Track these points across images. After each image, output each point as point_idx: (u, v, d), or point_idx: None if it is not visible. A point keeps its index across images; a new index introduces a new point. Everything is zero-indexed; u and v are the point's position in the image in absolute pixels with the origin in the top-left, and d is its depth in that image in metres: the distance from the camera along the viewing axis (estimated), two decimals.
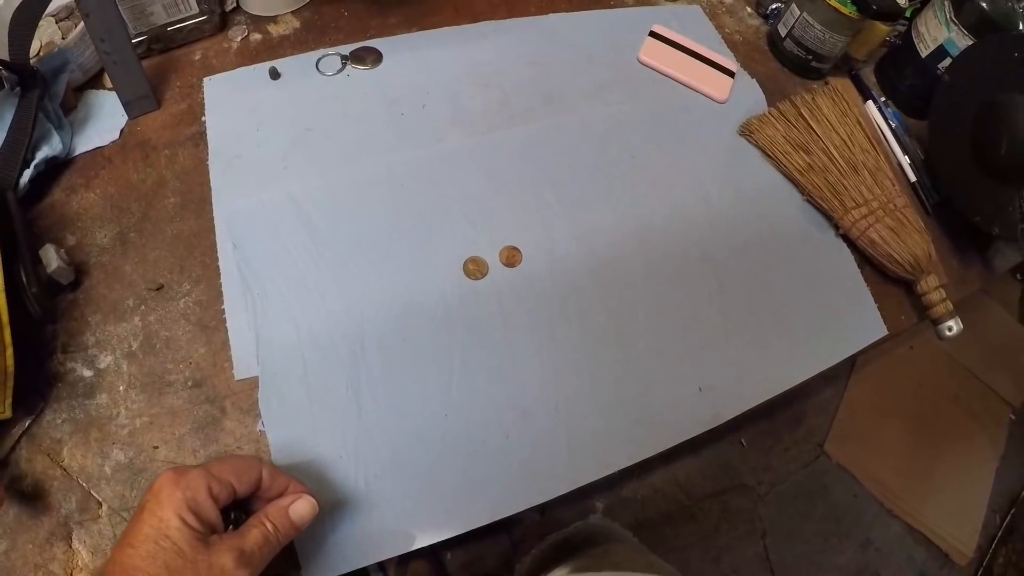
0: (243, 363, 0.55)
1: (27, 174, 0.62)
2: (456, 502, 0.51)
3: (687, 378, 0.58)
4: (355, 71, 0.69)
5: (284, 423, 0.52)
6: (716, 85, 0.74)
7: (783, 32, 0.78)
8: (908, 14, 0.78)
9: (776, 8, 0.83)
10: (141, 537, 0.37)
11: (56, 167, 0.65)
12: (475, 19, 0.76)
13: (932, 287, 0.64)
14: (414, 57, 0.71)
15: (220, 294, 0.58)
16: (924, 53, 0.75)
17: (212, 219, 0.61)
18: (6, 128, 0.62)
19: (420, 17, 0.75)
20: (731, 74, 0.75)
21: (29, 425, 0.54)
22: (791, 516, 1.30)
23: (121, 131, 0.67)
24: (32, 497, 0.51)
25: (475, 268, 0.59)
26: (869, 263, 0.69)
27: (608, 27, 0.78)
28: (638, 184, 0.66)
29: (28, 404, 0.54)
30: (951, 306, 0.64)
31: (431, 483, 0.52)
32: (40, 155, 0.63)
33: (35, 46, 0.71)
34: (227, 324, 0.56)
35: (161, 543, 0.37)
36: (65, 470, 0.52)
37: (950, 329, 0.64)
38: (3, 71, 0.62)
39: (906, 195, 0.69)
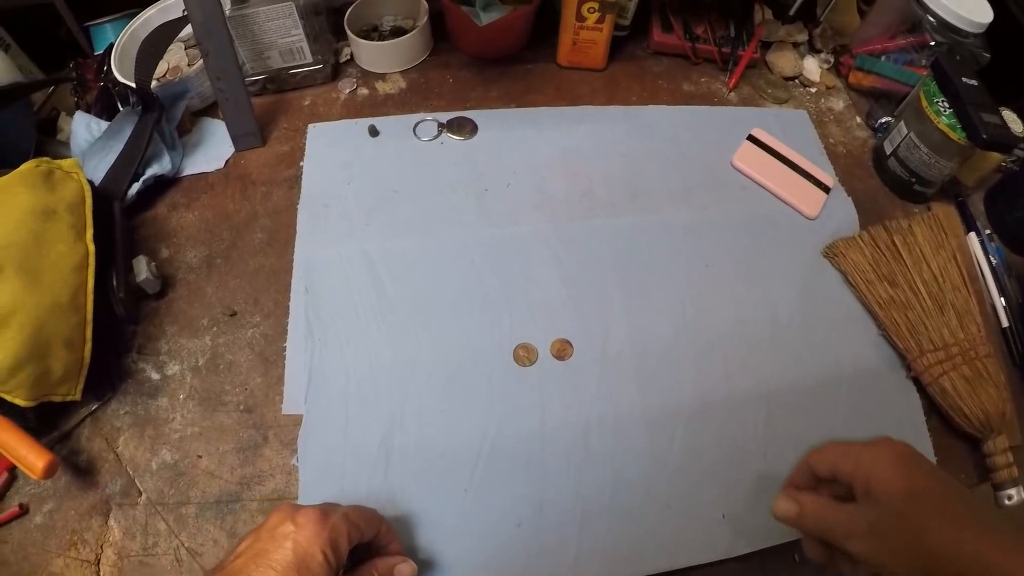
0: (292, 400, 0.76)
1: (135, 187, 0.88)
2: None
3: (712, 503, 0.70)
4: (449, 140, 0.93)
5: (317, 464, 0.72)
6: (808, 200, 0.89)
7: (888, 150, 0.92)
8: None
9: (886, 122, 0.97)
10: (284, 563, 0.51)
11: (164, 183, 0.92)
12: (574, 102, 0.98)
13: (1000, 449, 0.72)
14: (508, 134, 0.93)
15: (285, 332, 0.80)
16: None
17: (292, 261, 0.84)
18: (123, 143, 0.88)
19: (521, 94, 0.98)
20: (826, 189, 0.89)
21: (95, 409, 0.77)
22: None
23: (226, 161, 0.94)
24: (84, 472, 0.74)
25: (525, 355, 0.77)
26: (937, 412, 0.77)
27: (707, 125, 0.96)
28: (705, 295, 0.82)
29: (99, 391, 0.77)
30: (1016, 472, 0.71)
31: (437, 555, 0.68)
32: (150, 171, 0.90)
33: (162, 67, 0.99)
34: (286, 361, 0.78)
35: (303, 572, 0.51)
36: (117, 456, 0.75)
37: (1010, 498, 0.71)
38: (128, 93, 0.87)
39: (993, 342, 0.78)
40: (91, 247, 0.75)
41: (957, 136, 0.81)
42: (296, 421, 0.74)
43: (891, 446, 0.54)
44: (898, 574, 0.50)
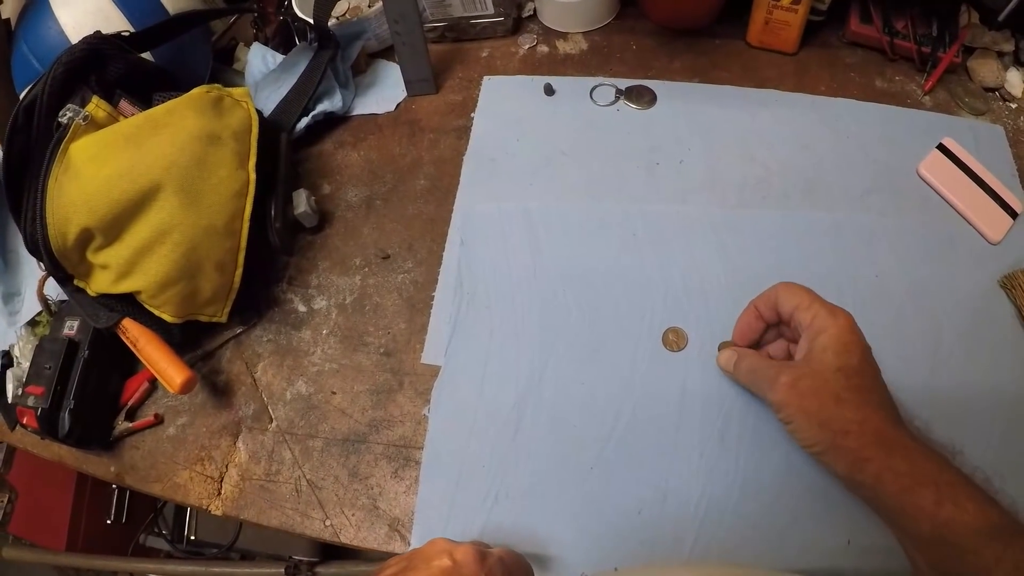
0: (433, 350, 0.76)
1: (304, 121, 0.90)
2: (565, 552, 0.65)
3: (840, 525, 0.65)
4: (626, 108, 0.89)
5: (448, 417, 0.72)
6: (993, 223, 0.80)
7: None
8: None
9: None
10: None
11: (333, 120, 0.93)
12: (760, 84, 0.92)
13: None
14: (687, 108, 0.89)
15: (435, 281, 0.80)
16: None
17: (451, 211, 0.84)
18: (296, 77, 0.90)
19: (706, 69, 0.93)
20: (1014, 214, 0.80)
21: (239, 333, 0.80)
22: None
23: (397, 105, 0.94)
24: (220, 392, 0.77)
25: (674, 339, 0.74)
26: None
27: (896, 126, 0.88)
28: (869, 305, 0.75)
29: (245, 316, 0.80)
30: None
31: (552, 526, 0.67)
32: (320, 107, 0.91)
33: (342, 6, 1.00)
34: (432, 310, 0.78)
35: None
36: (255, 381, 0.77)
37: None
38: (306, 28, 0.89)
39: None
40: (252, 175, 0.77)
41: None
42: (433, 372, 0.74)
43: (846, 319, 0.59)
44: (799, 431, 0.57)
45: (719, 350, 0.69)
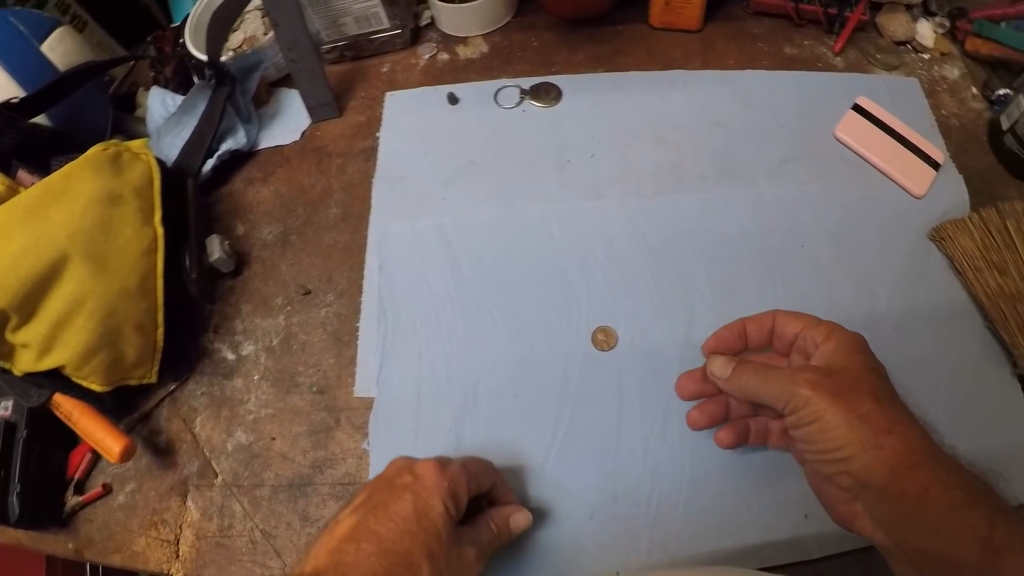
0: (364, 382, 0.74)
1: (210, 163, 0.87)
2: (519, 567, 0.64)
3: (796, 501, 0.65)
4: (532, 107, 0.87)
5: (388, 448, 0.70)
6: (916, 177, 0.80)
7: (1005, 125, 0.82)
8: None
9: (1004, 95, 0.87)
10: (404, 515, 0.51)
11: (240, 157, 0.91)
12: (667, 65, 0.91)
13: None
14: (593, 100, 0.87)
15: (358, 311, 0.78)
16: None
17: (366, 236, 0.82)
18: (197, 118, 0.87)
19: (609, 57, 0.92)
20: (936, 166, 0.80)
21: (173, 390, 0.77)
22: None
23: (303, 133, 0.91)
24: (163, 452, 0.74)
25: (604, 339, 0.73)
26: None
27: (809, 92, 0.88)
28: (798, 277, 0.75)
29: (176, 371, 0.77)
30: None
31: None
32: (224, 146, 0.88)
33: (239, 37, 0.97)
34: (359, 341, 0.76)
35: (423, 523, 0.51)
36: (195, 436, 0.75)
37: None
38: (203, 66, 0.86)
39: None
40: (159, 230, 0.75)
41: None
42: (368, 404, 0.72)
43: (851, 332, 0.56)
44: (826, 430, 0.49)
45: (708, 358, 0.61)
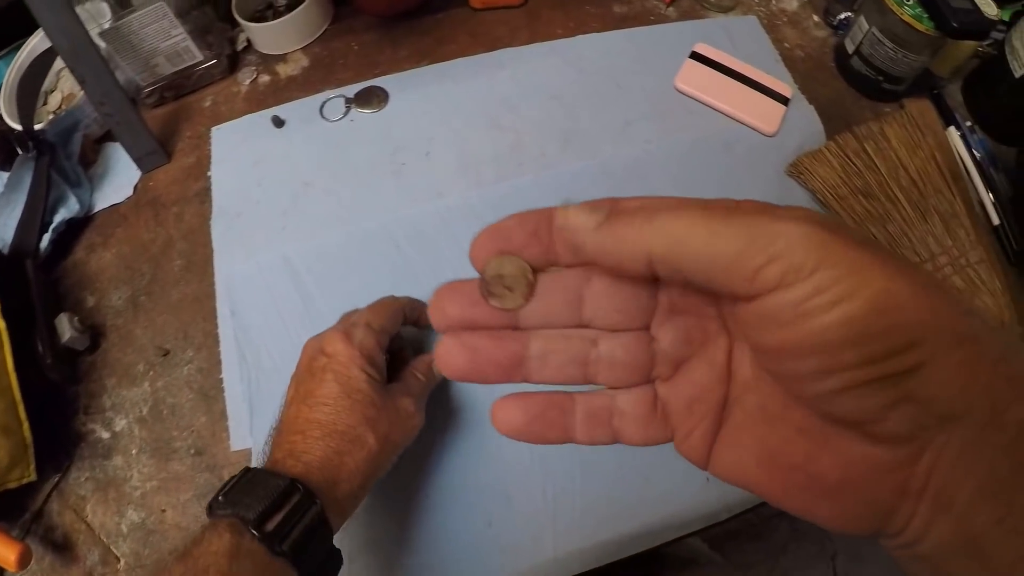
0: (239, 434, 0.71)
1: (47, 238, 0.82)
2: None
3: (692, 469, 0.65)
4: (359, 115, 0.85)
5: None
6: (765, 115, 0.80)
7: (850, 48, 0.83)
8: (1006, 17, 0.81)
9: (846, 19, 0.88)
10: (333, 396, 0.54)
11: (77, 224, 0.86)
12: (493, 47, 0.88)
13: None
14: (421, 96, 0.85)
15: (220, 362, 0.75)
16: (1019, 72, 0.78)
17: (214, 283, 0.78)
18: (25, 193, 0.82)
19: (433, 48, 0.89)
20: (785, 101, 0.80)
21: (58, 481, 0.73)
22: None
23: (135, 186, 0.87)
24: (63, 547, 0.71)
25: None
26: None
27: (645, 48, 0.86)
28: None
29: (56, 462, 0.74)
30: None
31: (410, 567, 0.64)
32: (58, 218, 0.84)
33: (57, 99, 0.92)
34: (225, 394, 0.73)
35: (355, 396, 0.54)
36: (88, 525, 0.71)
37: None
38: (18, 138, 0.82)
39: (984, 245, 0.73)
40: (1, 324, 0.70)
41: (924, 27, 0.74)
42: (247, 456, 0.70)
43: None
44: (839, 327, 0.23)
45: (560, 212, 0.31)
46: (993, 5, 0.74)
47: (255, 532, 0.46)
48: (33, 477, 0.71)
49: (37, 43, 0.91)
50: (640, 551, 0.65)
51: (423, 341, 0.71)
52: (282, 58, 0.92)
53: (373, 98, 0.85)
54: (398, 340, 0.63)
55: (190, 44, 0.86)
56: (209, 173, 0.85)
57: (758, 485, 0.30)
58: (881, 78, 0.81)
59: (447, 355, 0.30)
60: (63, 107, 0.93)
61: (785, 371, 0.26)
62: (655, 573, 0.73)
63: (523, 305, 0.30)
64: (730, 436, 0.31)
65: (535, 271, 0.30)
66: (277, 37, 0.91)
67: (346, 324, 0.59)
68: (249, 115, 0.87)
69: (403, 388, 0.59)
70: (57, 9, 0.75)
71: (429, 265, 0.74)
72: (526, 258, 0.29)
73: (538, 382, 0.31)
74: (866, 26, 0.79)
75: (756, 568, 1.40)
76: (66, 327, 0.75)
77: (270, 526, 0.47)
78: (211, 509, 0.50)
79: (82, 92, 0.89)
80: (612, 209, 0.27)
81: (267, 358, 0.72)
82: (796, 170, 0.77)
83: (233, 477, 0.51)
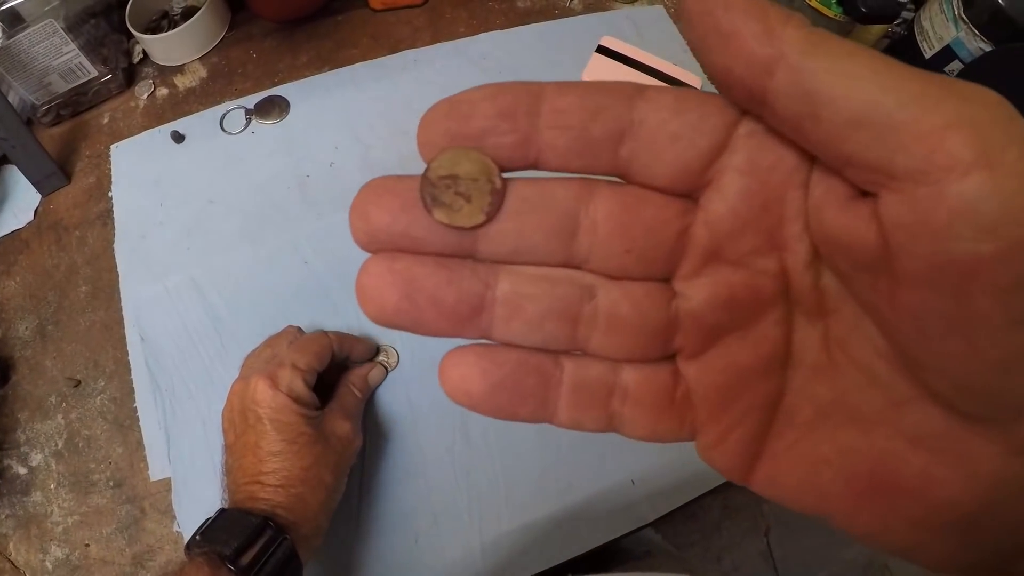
0: (158, 464, 0.70)
1: None
2: None
3: (618, 470, 0.66)
4: (260, 126, 0.83)
5: (199, 523, 0.66)
6: None
7: None
8: None
9: None
10: (279, 447, 0.54)
11: None
12: (395, 48, 0.87)
13: None
14: (323, 104, 0.83)
15: (132, 390, 0.73)
16: (928, 54, 0.78)
17: (121, 309, 0.76)
18: None
19: (333, 52, 0.87)
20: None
21: None
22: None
23: (35, 211, 0.84)
24: None
25: (385, 359, 0.70)
26: None
27: (550, 43, 0.85)
28: None
29: None
30: None
31: None
32: None
33: None
34: (140, 423, 0.72)
35: (300, 441, 0.55)
36: (13, 564, 0.70)
37: None
38: None
39: None
40: None
41: (833, 12, 0.75)
42: (167, 485, 0.69)
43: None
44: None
45: None
46: None
47: (231, 566, 0.48)
48: None
49: None
50: (571, 557, 0.65)
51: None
52: (180, 69, 0.89)
53: (274, 108, 0.83)
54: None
55: (83, 60, 0.83)
56: (110, 194, 0.82)
57: (840, 515, 0.21)
58: None
59: (371, 285, 0.21)
60: None
61: (960, 317, 0.16)
62: (607, 567, 0.74)
63: (483, 223, 0.21)
64: (787, 443, 0.22)
65: (504, 174, 0.21)
66: (173, 48, 0.88)
67: (272, 365, 0.58)
68: (148, 131, 0.84)
69: (340, 410, 0.60)
70: None
71: (339, 280, 0.73)
72: (491, 149, 0.20)
73: (502, 340, 0.22)
74: None
75: (693, 548, 1.42)
76: None
77: (245, 560, 0.49)
78: (189, 548, 0.52)
79: None
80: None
81: (180, 384, 0.71)
82: None
83: (209, 518, 0.54)
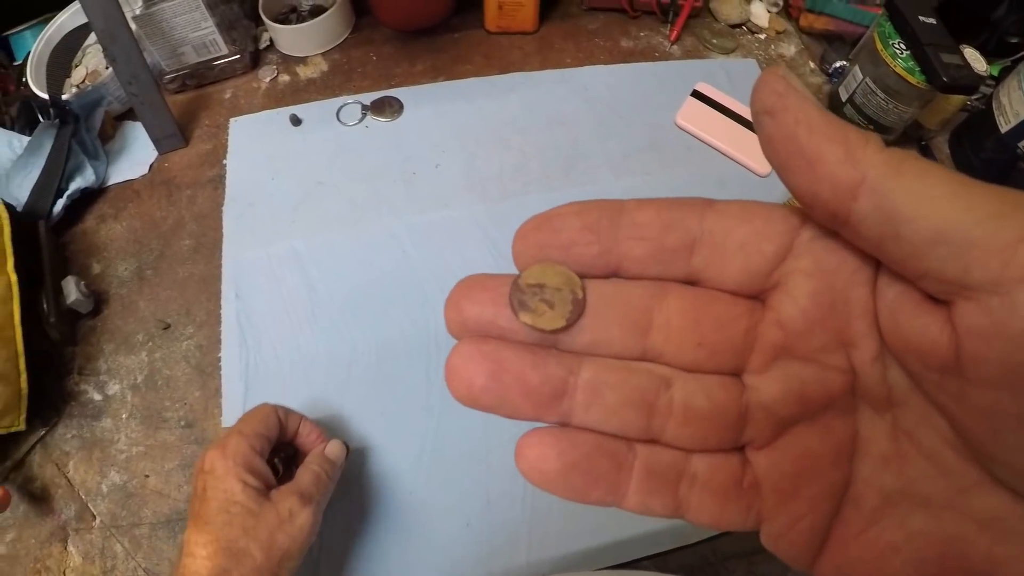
0: (232, 412, 0.75)
1: (60, 203, 0.86)
2: None
3: None
4: (374, 122, 0.89)
5: None
6: (759, 156, 0.84)
7: (844, 96, 0.88)
8: (995, 72, 0.86)
9: (840, 67, 0.93)
10: (213, 512, 0.53)
11: (90, 195, 0.89)
12: (505, 69, 0.94)
13: None
14: (435, 110, 0.90)
15: (219, 342, 0.78)
16: (1004, 128, 0.81)
17: (221, 266, 0.82)
18: (44, 158, 0.85)
19: (448, 65, 0.94)
20: None
21: (43, 435, 0.76)
22: None
23: (151, 166, 0.90)
24: (39, 499, 0.74)
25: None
26: None
27: (649, 83, 0.92)
28: None
29: (44, 416, 0.77)
30: None
31: (386, 563, 0.67)
32: (73, 186, 0.87)
33: (81, 73, 0.95)
34: (222, 371, 0.77)
35: (233, 510, 0.53)
36: (69, 481, 0.74)
37: None
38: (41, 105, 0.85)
39: None
40: (13, 277, 0.73)
41: (916, 80, 0.77)
42: None
43: None
44: None
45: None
46: (983, 61, 0.79)
47: None
48: (22, 427, 0.74)
49: (67, 19, 0.94)
50: (608, 566, 0.67)
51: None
52: (302, 60, 0.97)
53: (388, 107, 0.89)
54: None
55: (217, 37, 0.90)
56: (225, 161, 0.89)
57: None
58: (871, 127, 0.85)
59: (460, 366, 0.23)
60: (86, 82, 0.96)
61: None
62: None
63: (563, 328, 0.22)
64: (854, 531, 0.23)
65: (585, 284, 0.23)
66: (300, 40, 0.95)
67: (224, 437, 0.58)
68: (268, 111, 0.92)
69: (291, 487, 0.57)
70: None
71: (432, 271, 0.78)
72: (577, 258, 0.23)
73: (580, 424, 0.23)
74: (860, 76, 0.84)
75: None
76: (72, 289, 0.78)
77: None
78: None
79: (108, 70, 0.93)
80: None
81: (267, 343, 0.76)
82: None
83: None
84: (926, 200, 0.18)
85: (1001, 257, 0.16)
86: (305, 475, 0.59)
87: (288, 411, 0.63)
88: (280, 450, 0.62)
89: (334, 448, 0.63)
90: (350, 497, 0.69)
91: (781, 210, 0.23)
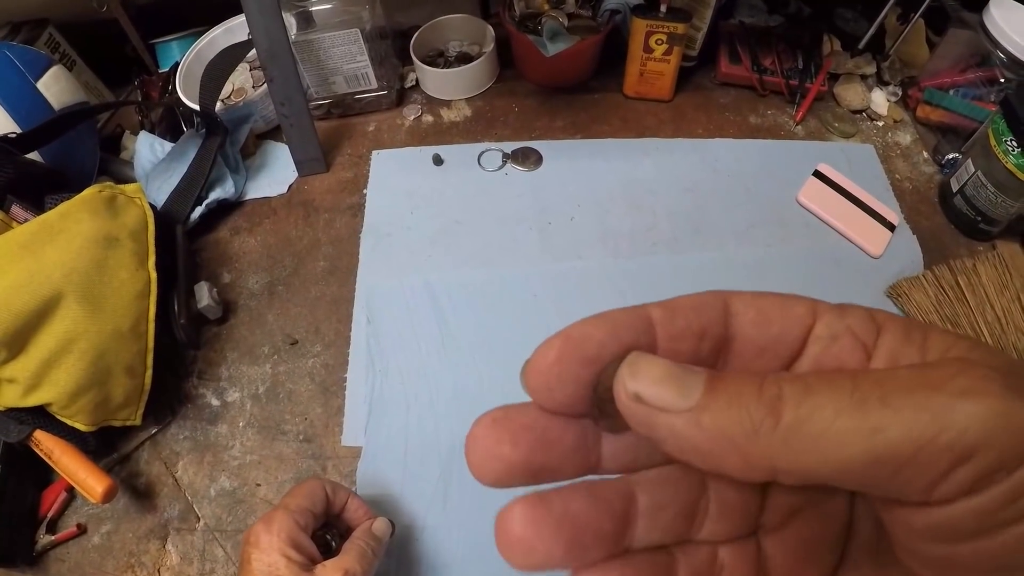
0: (352, 432, 0.77)
1: (198, 211, 0.90)
2: None
3: None
4: (514, 170, 0.93)
5: (374, 496, 0.72)
6: (873, 238, 0.87)
7: (955, 187, 0.90)
8: None
9: (953, 159, 0.95)
10: None
11: (226, 207, 0.94)
12: (640, 133, 0.98)
13: None
14: (572, 166, 0.93)
15: (346, 362, 0.81)
16: None
17: (354, 290, 0.85)
18: (186, 165, 0.90)
19: (587, 124, 0.99)
20: (892, 227, 0.88)
21: (155, 433, 0.79)
22: None
23: (290, 186, 0.95)
24: (142, 495, 0.76)
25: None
26: None
27: (773, 159, 0.95)
28: None
29: (158, 415, 0.79)
30: None
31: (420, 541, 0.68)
32: (213, 195, 0.92)
33: (227, 88, 1.01)
34: (346, 391, 0.79)
35: None
36: (176, 481, 0.76)
37: None
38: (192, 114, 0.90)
39: None
40: (153, 274, 0.77)
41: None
42: (355, 453, 0.75)
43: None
44: None
45: (621, 375, 0.22)
46: None
47: None
48: (137, 422, 0.76)
49: (220, 34, 1.01)
50: None
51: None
52: (447, 103, 1.02)
53: (528, 157, 0.93)
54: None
55: (370, 71, 0.95)
56: (365, 191, 0.93)
57: None
58: (979, 218, 0.87)
59: (528, 538, 0.21)
60: (231, 97, 1.02)
61: None
62: None
63: (626, 429, 0.21)
64: None
65: None
66: (446, 84, 1.00)
67: (271, 511, 0.59)
68: (410, 147, 0.96)
69: (336, 563, 0.58)
70: (267, 13, 0.85)
71: (560, 319, 0.78)
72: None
73: (642, 548, 0.22)
74: (972, 169, 0.86)
75: None
76: (205, 294, 0.82)
77: None
78: None
79: (257, 89, 0.98)
80: (710, 380, 0.20)
81: (395, 370, 0.78)
82: (895, 292, 0.84)
83: None
84: (845, 456, 0.18)
85: (929, 491, 0.18)
86: (351, 551, 0.59)
87: (337, 486, 0.64)
88: (333, 525, 0.64)
89: (381, 526, 0.63)
90: (463, 520, 0.70)
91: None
